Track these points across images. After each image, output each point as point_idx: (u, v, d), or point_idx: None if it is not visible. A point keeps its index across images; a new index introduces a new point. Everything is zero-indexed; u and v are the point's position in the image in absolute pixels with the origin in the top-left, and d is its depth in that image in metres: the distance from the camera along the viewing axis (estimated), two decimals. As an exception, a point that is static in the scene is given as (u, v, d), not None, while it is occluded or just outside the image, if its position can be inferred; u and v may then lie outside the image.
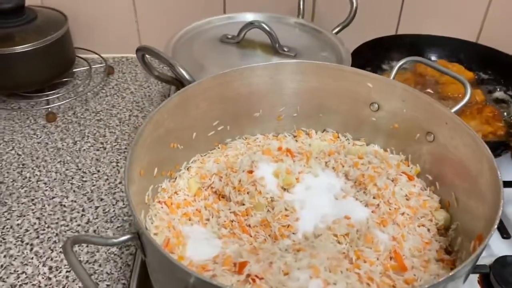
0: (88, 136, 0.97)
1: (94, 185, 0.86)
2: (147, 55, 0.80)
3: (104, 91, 1.11)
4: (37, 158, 0.91)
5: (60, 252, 0.74)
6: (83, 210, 0.81)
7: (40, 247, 0.74)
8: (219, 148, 0.76)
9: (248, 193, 0.65)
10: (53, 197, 0.83)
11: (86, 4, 1.15)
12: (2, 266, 0.71)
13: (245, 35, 0.91)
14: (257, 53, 0.90)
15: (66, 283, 0.69)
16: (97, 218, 0.80)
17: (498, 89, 1.01)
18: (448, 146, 0.64)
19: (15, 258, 0.73)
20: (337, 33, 0.98)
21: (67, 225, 0.78)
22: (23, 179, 0.87)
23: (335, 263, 0.53)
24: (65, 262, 0.72)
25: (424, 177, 0.69)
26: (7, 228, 0.77)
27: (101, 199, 0.83)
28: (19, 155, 0.92)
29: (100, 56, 1.17)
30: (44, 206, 0.81)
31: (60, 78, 1.08)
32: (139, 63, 0.80)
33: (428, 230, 0.63)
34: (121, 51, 1.22)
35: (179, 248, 0.59)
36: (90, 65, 1.15)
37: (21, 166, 0.89)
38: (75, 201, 0.82)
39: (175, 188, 0.69)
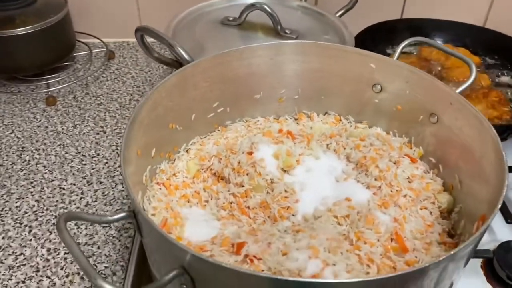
0: (88, 120, 0.96)
1: (93, 168, 0.85)
2: (146, 36, 0.79)
3: (104, 75, 1.09)
4: (36, 141, 0.90)
5: (59, 234, 0.73)
6: (82, 193, 0.80)
7: (39, 229, 0.74)
8: (219, 130, 0.75)
9: (247, 174, 0.64)
10: (52, 180, 0.82)
11: (86, -13, 1.13)
12: (0, 247, 0.71)
13: (247, 17, 0.89)
14: (259, 36, 0.89)
15: (64, 265, 0.69)
16: (96, 200, 0.79)
17: (505, 74, 0.99)
18: (452, 127, 0.62)
19: (14, 240, 0.72)
20: (340, 16, 0.97)
21: (66, 208, 0.77)
22: (23, 162, 0.86)
23: (334, 244, 0.52)
24: (63, 244, 0.72)
25: (427, 159, 0.68)
26: (5, 210, 0.77)
27: (101, 182, 0.82)
28: (19, 138, 0.91)
29: (101, 40, 1.16)
30: (43, 188, 0.81)
31: (60, 62, 1.07)
32: (139, 47, 0.79)
33: (431, 213, 0.62)
34: (122, 36, 1.21)
35: (177, 228, 0.58)
36: (90, 50, 1.13)
37: (20, 149, 0.89)
38: (74, 184, 0.82)
39: (174, 170, 0.68)
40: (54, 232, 0.73)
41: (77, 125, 0.95)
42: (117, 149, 0.89)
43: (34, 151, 0.88)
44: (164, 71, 1.11)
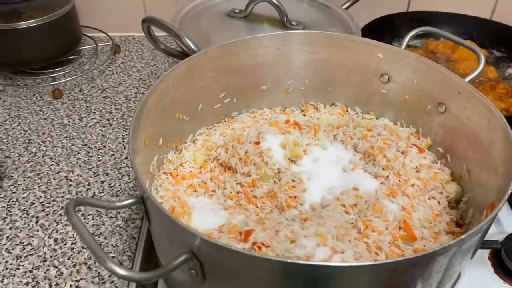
0: (94, 112, 0.96)
1: (100, 160, 0.85)
2: (153, 28, 0.79)
3: (110, 69, 1.10)
4: (43, 134, 0.91)
5: (66, 224, 0.73)
6: (88, 184, 0.80)
7: (46, 220, 0.74)
8: (225, 121, 0.75)
9: (254, 164, 0.64)
10: (59, 172, 0.83)
11: (92, -19, 1.14)
12: (8, 237, 0.71)
13: (253, 9, 0.89)
14: (265, 27, 0.88)
15: (71, 255, 0.69)
16: (102, 192, 0.79)
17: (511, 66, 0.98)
18: (461, 116, 0.62)
19: (21, 230, 0.72)
20: (347, 8, 0.96)
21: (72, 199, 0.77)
22: (29, 154, 0.86)
23: (343, 232, 0.52)
24: (70, 234, 0.72)
25: (435, 150, 0.67)
26: (13, 201, 0.77)
27: (107, 174, 0.82)
28: (25, 130, 0.91)
29: (106, 34, 1.16)
30: (49, 180, 0.81)
31: (66, 56, 1.08)
32: (145, 41, 0.79)
33: (439, 202, 0.61)
34: (128, 30, 1.21)
35: (184, 217, 0.58)
36: (96, 43, 1.14)
37: (27, 141, 0.89)
38: (81, 176, 0.82)
39: (181, 160, 0.68)
40: (61, 223, 0.74)
41: (83, 118, 0.95)
42: (124, 141, 0.90)
43: (40, 143, 0.89)
44: (170, 64, 1.11)
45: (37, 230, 0.73)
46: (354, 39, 0.70)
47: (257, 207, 0.62)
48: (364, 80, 0.72)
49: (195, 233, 0.41)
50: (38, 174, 0.82)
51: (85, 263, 0.68)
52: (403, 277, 0.43)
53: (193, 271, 0.45)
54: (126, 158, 0.86)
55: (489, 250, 0.70)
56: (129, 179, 0.81)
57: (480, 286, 0.66)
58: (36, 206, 0.76)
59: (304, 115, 0.77)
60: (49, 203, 0.77)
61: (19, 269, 0.67)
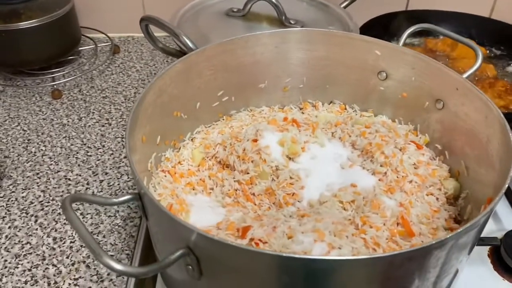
0: (93, 112, 0.97)
1: (99, 160, 0.85)
2: (151, 28, 0.79)
3: (109, 69, 1.10)
4: (42, 134, 0.91)
5: (65, 223, 0.73)
6: (87, 184, 0.80)
7: (45, 219, 0.74)
8: (223, 119, 0.75)
9: (252, 161, 0.63)
10: (58, 171, 0.83)
11: (91, -18, 1.14)
12: (6, 236, 0.71)
13: (251, 8, 0.89)
14: (263, 26, 0.89)
15: (70, 253, 0.69)
16: (101, 191, 0.79)
17: (511, 64, 0.98)
18: (459, 113, 0.62)
19: (20, 229, 0.72)
20: (345, 7, 0.97)
21: (72, 198, 0.77)
22: (29, 153, 0.86)
23: (340, 228, 0.52)
24: (69, 233, 0.72)
25: (433, 146, 0.67)
26: (12, 200, 0.77)
27: (106, 173, 0.82)
28: (25, 130, 0.92)
29: (106, 35, 1.16)
30: (49, 179, 0.81)
31: (65, 56, 1.08)
32: (145, 42, 0.79)
33: (437, 199, 0.61)
34: (127, 31, 1.21)
35: (182, 214, 0.58)
36: (96, 44, 1.14)
37: (26, 141, 0.89)
38: (80, 175, 0.82)
39: (179, 158, 0.68)
40: (60, 222, 0.74)
41: (83, 118, 0.95)
42: (123, 140, 0.90)
43: (40, 143, 0.89)
44: (169, 64, 1.11)
45: (36, 229, 0.73)
46: (352, 36, 0.70)
47: (255, 204, 0.62)
48: (362, 78, 0.72)
49: (191, 228, 0.41)
50: (37, 173, 0.82)
51: (84, 262, 0.68)
52: (400, 271, 0.43)
53: (190, 267, 0.45)
54: (125, 157, 0.86)
55: (489, 247, 0.70)
56: (128, 178, 0.81)
57: (480, 283, 0.66)
58: (35, 205, 0.76)
59: (303, 113, 0.77)
60: (48, 202, 0.77)
61: (18, 267, 0.67)
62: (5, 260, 0.68)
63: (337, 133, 0.70)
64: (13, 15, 0.98)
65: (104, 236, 0.72)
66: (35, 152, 0.87)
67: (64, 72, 1.06)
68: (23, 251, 0.69)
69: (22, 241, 0.71)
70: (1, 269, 0.67)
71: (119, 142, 0.89)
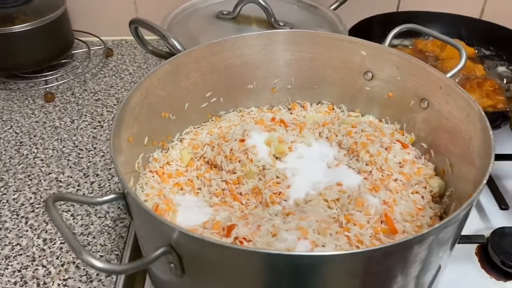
0: (85, 115, 0.97)
1: (90, 161, 0.86)
2: (142, 31, 0.80)
3: (102, 72, 1.11)
4: (34, 136, 0.91)
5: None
6: (78, 185, 0.81)
7: (35, 220, 0.75)
8: (212, 120, 0.76)
9: (239, 161, 0.64)
10: (50, 173, 0.83)
11: (84, -14, 1.15)
12: (-3, 238, 0.72)
13: (241, 10, 0.90)
14: (253, 28, 0.89)
15: (60, 254, 0.69)
16: (92, 192, 0.80)
17: (500, 64, 0.99)
18: (442, 111, 0.63)
19: (10, 231, 0.73)
20: (335, 9, 0.97)
21: (62, 199, 0.78)
22: (20, 156, 0.87)
23: (324, 226, 0.52)
24: (59, 234, 0.72)
25: (419, 145, 0.68)
26: (3, 202, 0.78)
27: (97, 175, 0.83)
28: (17, 133, 0.92)
29: (99, 38, 1.17)
30: (40, 181, 0.82)
31: (58, 60, 1.09)
32: (138, 45, 0.80)
33: (422, 197, 0.62)
34: (120, 34, 1.22)
35: (169, 214, 0.59)
36: (89, 47, 1.15)
37: (18, 144, 0.90)
38: (71, 177, 0.83)
39: (168, 158, 0.68)
40: (51, 223, 0.74)
41: (75, 120, 0.96)
42: (114, 142, 0.90)
43: (32, 145, 0.89)
44: (161, 67, 1.12)
45: (27, 231, 0.73)
46: (338, 37, 0.71)
47: (242, 203, 0.62)
48: (349, 78, 0.73)
49: (172, 226, 0.42)
50: (29, 175, 0.83)
51: (73, 262, 0.68)
52: (380, 266, 0.43)
53: (172, 265, 0.45)
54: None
55: (476, 245, 0.70)
56: (119, 179, 0.82)
57: (467, 281, 0.66)
58: (26, 207, 0.77)
59: (291, 113, 0.78)
60: (39, 204, 0.77)
61: (7, 269, 0.67)
62: (-5, 261, 0.68)
63: (324, 133, 0.70)
64: (6, 19, 0.99)
65: (94, 237, 0.72)
66: (27, 155, 0.87)
67: (57, 75, 1.07)
68: (13, 253, 0.70)
69: (12, 243, 0.71)
70: (-9, 270, 0.67)
71: (110, 144, 0.90)
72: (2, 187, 0.80)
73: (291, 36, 0.72)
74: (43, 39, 1.02)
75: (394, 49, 0.67)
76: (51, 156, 0.87)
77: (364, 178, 0.62)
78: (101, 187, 0.81)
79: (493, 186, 0.76)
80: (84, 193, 0.79)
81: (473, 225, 0.73)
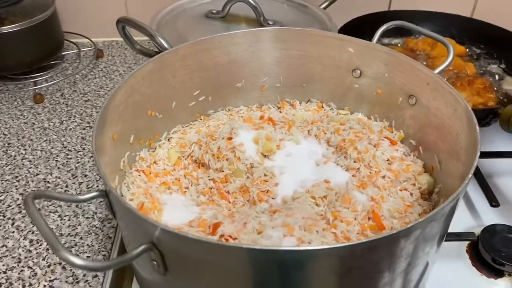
0: (75, 116, 0.96)
1: (79, 162, 0.85)
2: (131, 30, 0.79)
3: (92, 73, 1.10)
4: (23, 138, 0.91)
5: (42, 226, 0.73)
6: (66, 186, 0.80)
7: (22, 221, 0.74)
8: (201, 119, 0.75)
9: (227, 159, 0.63)
10: (37, 174, 0.82)
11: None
12: (-17, 239, 0.71)
13: (230, 9, 0.90)
14: (242, 27, 0.89)
15: (46, 255, 0.69)
16: (80, 193, 0.79)
17: (491, 63, 0.99)
18: (430, 107, 0.62)
19: (-4, 232, 0.72)
20: (325, 8, 0.97)
21: (50, 200, 0.77)
22: (8, 157, 0.86)
23: (310, 223, 0.52)
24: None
25: (408, 142, 0.67)
26: (-11, 203, 0.77)
27: (85, 175, 0.82)
28: (5, 134, 0.91)
29: (89, 40, 1.17)
30: (27, 182, 0.81)
31: (48, 61, 1.08)
32: (128, 45, 0.80)
33: (411, 194, 0.61)
34: (111, 35, 1.21)
35: (155, 213, 0.58)
36: (79, 49, 1.14)
37: (6, 145, 0.89)
38: (59, 178, 0.82)
39: (155, 157, 0.68)
40: (37, 224, 0.73)
41: (64, 121, 0.95)
42: (103, 143, 0.89)
43: (20, 146, 0.89)
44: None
45: (13, 232, 0.72)
46: (326, 34, 0.71)
47: (230, 202, 0.61)
48: (338, 76, 0.72)
49: (153, 223, 0.41)
50: (16, 176, 0.82)
51: (60, 263, 0.67)
52: (367, 261, 0.43)
53: (155, 262, 0.45)
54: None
55: (467, 243, 0.70)
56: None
57: (458, 278, 0.66)
58: (13, 208, 0.76)
59: (280, 112, 0.77)
60: (26, 205, 0.77)
61: (-7, 270, 0.67)
62: (-20, 263, 0.68)
63: (313, 131, 0.70)
64: (-6, 20, 0.98)
65: (81, 238, 0.71)
66: (14, 156, 0.86)
67: (46, 77, 1.06)
68: (-2, 254, 0.69)
69: (-2, 244, 0.70)
70: (-24, 272, 0.66)
71: (99, 145, 0.89)
72: (-11, 188, 0.80)
73: (278, 34, 0.71)
74: (32, 40, 1.01)
75: (382, 45, 0.67)
76: (39, 157, 0.86)
77: (352, 175, 0.61)
78: (89, 187, 0.80)
79: (484, 183, 0.76)
80: (72, 194, 0.78)
81: (464, 223, 0.73)
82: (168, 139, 0.71)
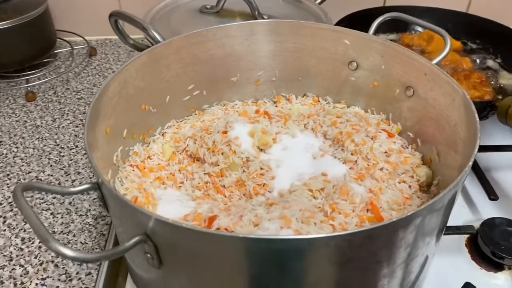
0: (67, 113, 0.95)
1: (71, 160, 0.84)
2: (125, 25, 0.78)
3: (86, 71, 1.09)
4: (14, 136, 0.89)
5: (34, 223, 0.71)
6: (59, 184, 0.79)
7: (14, 220, 0.72)
8: (195, 114, 0.74)
9: (222, 153, 0.62)
10: (30, 172, 0.81)
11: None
12: (-27, 238, 0.69)
13: (224, 4, 0.89)
14: (236, 22, 0.88)
15: (38, 253, 0.67)
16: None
17: (487, 57, 0.98)
18: (428, 98, 0.61)
19: (-13, 231, 0.71)
20: (320, 3, 0.96)
21: (42, 198, 0.76)
22: (0, 155, 0.85)
23: (308, 214, 0.51)
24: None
25: (406, 135, 0.67)
26: (-20, 202, 0.75)
27: (78, 173, 0.81)
28: (-3, 133, 0.90)
29: (83, 38, 1.16)
30: (19, 180, 0.79)
31: (41, 59, 1.07)
32: (122, 43, 0.79)
33: (410, 186, 0.60)
34: (105, 33, 1.20)
35: (149, 207, 0.57)
36: (72, 47, 1.13)
37: (-2, 143, 0.88)
38: (52, 175, 0.80)
39: (149, 152, 0.67)
40: (29, 222, 0.72)
41: (57, 119, 0.94)
42: (96, 140, 0.88)
43: (12, 144, 0.87)
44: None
45: (4, 230, 0.71)
46: (321, 26, 0.70)
47: (226, 196, 0.60)
48: (334, 69, 0.71)
49: (147, 214, 0.40)
50: (8, 174, 0.81)
51: (52, 261, 0.66)
52: (365, 251, 0.42)
53: (149, 255, 0.44)
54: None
55: (466, 236, 0.69)
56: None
57: (458, 272, 0.65)
58: (4, 206, 0.75)
59: (276, 106, 0.76)
60: (18, 203, 0.75)
61: (-17, 269, 0.65)
62: (-29, 262, 0.66)
63: (309, 124, 0.69)
64: (-15, 17, 0.97)
65: (74, 235, 0.70)
66: (6, 154, 0.85)
67: (39, 75, 1.05)
68: (-11, 253, 0.67)
69: (-11, 243, 0.69)
70: (-34, 271, 0.65)
71: (93, 142, 0.88)
72: (-21, 186, 0.78)
73: (273, 27, 0.70)
74: (24, 37, 1.00)
75: (377, 37, 0.66)
76: (32, 155, 0.85)
77: (350, 168, 0.61)
78: (83, 184, 0.78)
79: (482, 177, 0.75)
80: (63, 186, 0.77)
81: (463, 216, 0.72)
82: (162, 134, 0.70)
